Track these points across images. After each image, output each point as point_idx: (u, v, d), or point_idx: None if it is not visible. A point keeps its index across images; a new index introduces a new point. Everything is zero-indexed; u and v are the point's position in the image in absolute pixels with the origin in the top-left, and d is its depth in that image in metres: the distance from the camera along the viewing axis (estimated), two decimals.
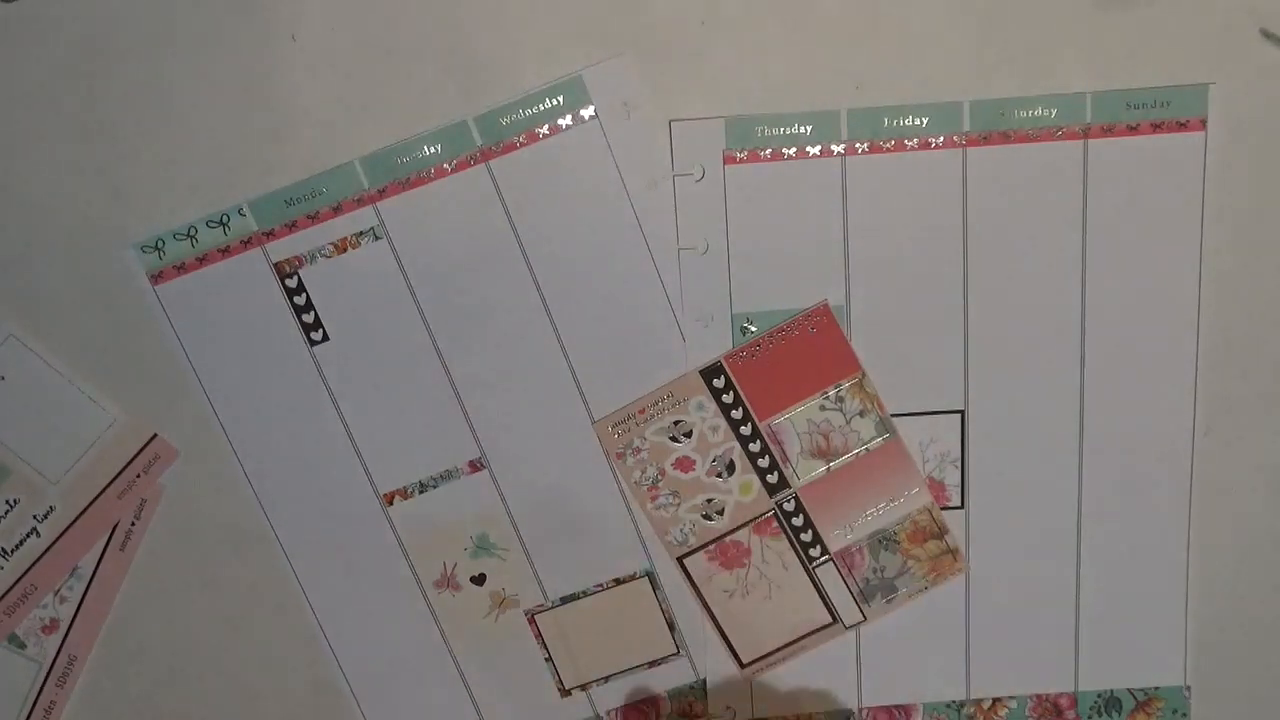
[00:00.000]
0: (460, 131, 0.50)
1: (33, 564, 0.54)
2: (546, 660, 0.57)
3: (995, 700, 0.57)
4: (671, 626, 0.56)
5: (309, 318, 0.52)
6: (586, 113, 0.51)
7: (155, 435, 0.53)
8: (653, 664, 0.57)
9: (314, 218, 0.51)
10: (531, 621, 0.56)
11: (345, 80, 0.50)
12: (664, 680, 0.57)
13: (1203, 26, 0.49)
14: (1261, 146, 0.50)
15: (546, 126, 0.51)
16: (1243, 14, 0.49)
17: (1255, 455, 0.54)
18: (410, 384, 0.53)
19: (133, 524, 0.54)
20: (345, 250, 0.52)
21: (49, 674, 0.55)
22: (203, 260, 0.51)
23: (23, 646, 0.55)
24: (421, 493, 0.54)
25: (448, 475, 0.54)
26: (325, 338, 0.52)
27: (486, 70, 0.50)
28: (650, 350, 0.53)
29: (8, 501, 0.53)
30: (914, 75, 0.50)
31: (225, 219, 0.51)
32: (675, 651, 0.57)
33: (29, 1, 0.49)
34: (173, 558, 0.55)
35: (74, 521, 0.54)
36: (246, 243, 0.51)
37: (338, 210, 0.51)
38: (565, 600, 0.56)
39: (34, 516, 0.53)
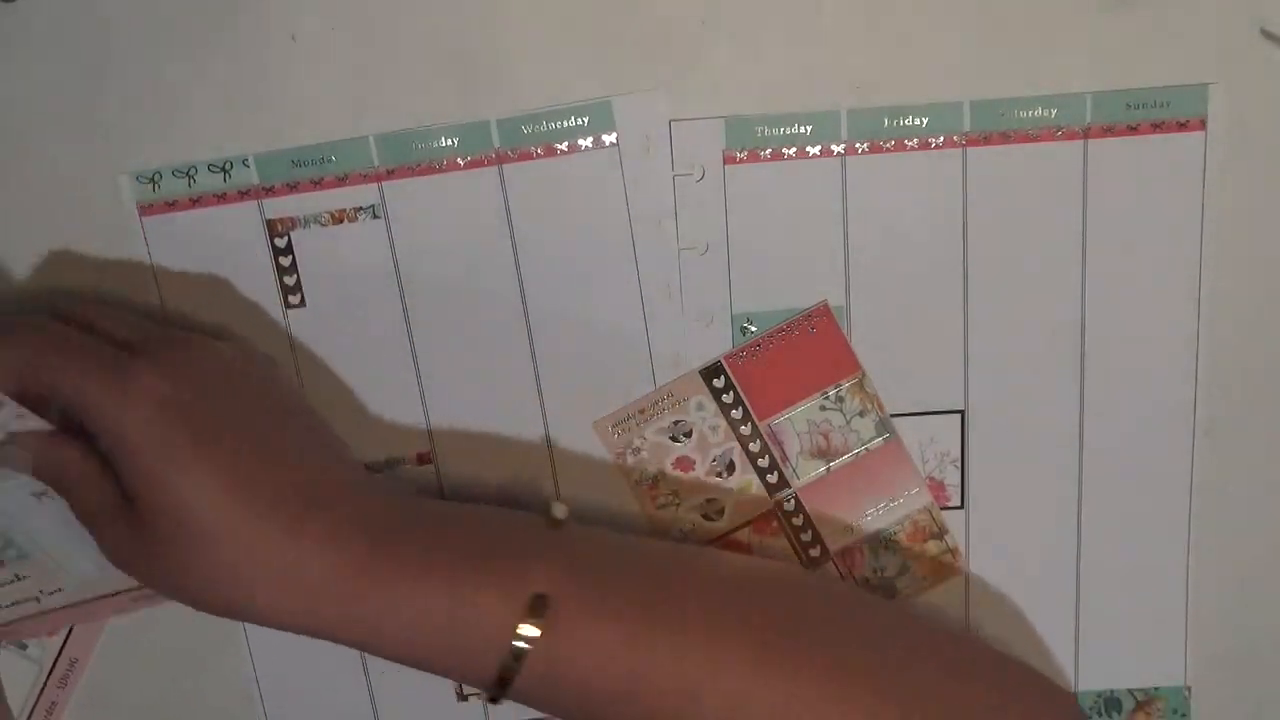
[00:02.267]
0: (480, 130, 0.50)
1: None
2: None
3: None
4: None
5: (290, 280, 0.52)
6: (609, 139, 0.51)
7: None
8: None
9: (318, 183, 0.51)
10: None
11: (346, 81, 0.50)
12: None
13: (1203, 26, 0.49)
14: (1262, 146, 0.50)
15: (566, 144, 0.51)
16: (1243, 14, 0.49)
17: (1256, 455, 0.54)
18: (376, 366, 0.53)
19: None
20: (342, 222, 0.52)
21: (50, 675, 0.55)
22: (196, 202, 0.51)
23: (24, 647, 0.55)
24: None
25: (394, 462, 0.54)
26: (303, 303, 0.53)
27: (485, 72, 0.50)
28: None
29: (16, 575, 0.52)
30: (914, 75, 0.50)
31: (228, 166, 0.51)
32: None
33: (29, 1, 0.49)
34: None
35: (75, 604, 0.54)
36: (244, 194, 0.51)
37: (343, 181, 0.51)
38: None
39: (40, 591, 0.53)
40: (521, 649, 0.44)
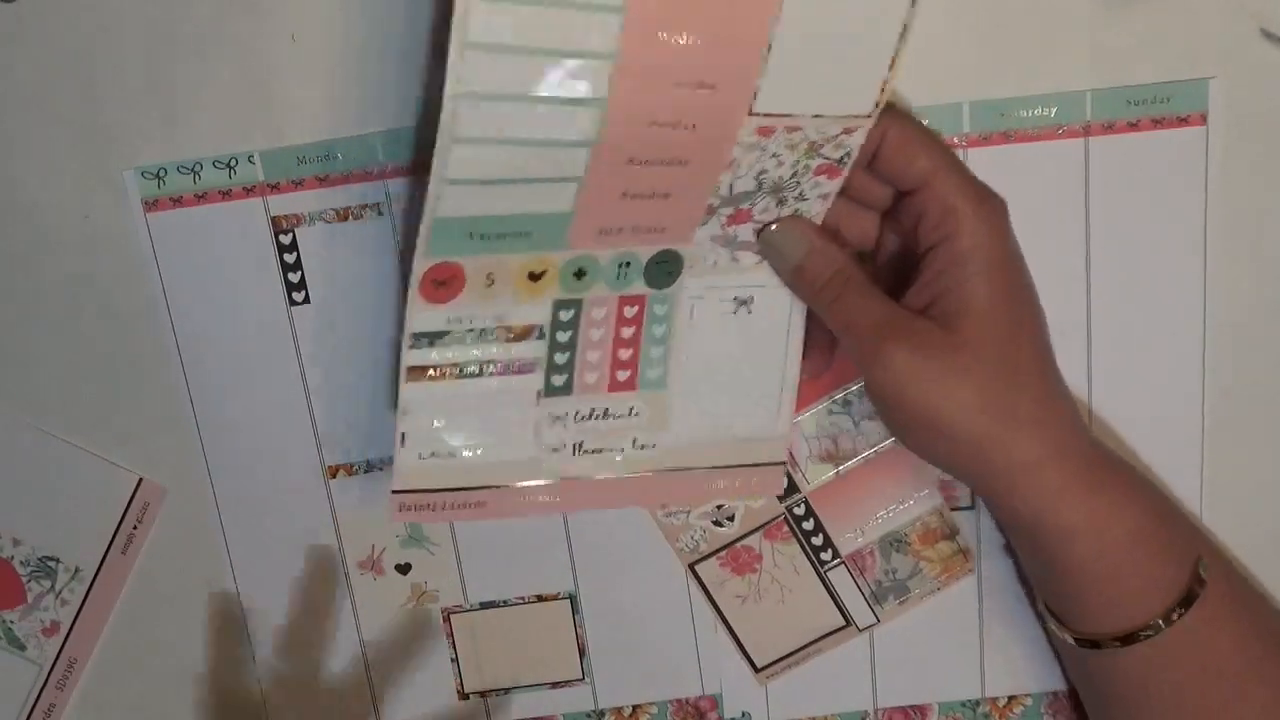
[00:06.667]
0: None
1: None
2: (452, 661, 0.57)
3: (1010, 698, 0.56)
4: (582, 653, 0.57)
5: (295, 277, 0.52)
6: None
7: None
8: (555, 685, 0.57)
9: (323, 180, 0.51)
10: (446, 620, 0.57)
11: (346, 81, 0.50)
12: (563, 704, 0.58)
13: (1201, 22, 0.49)
14: (1264, 139, 0.50)
15: None
16: (1242, 9, 0.49)
17: (1263, 452, 0.53)
18: (379, 364, 0.53)
19: (135, 527, 0.54)
20: (347, 219, 0.52)
21: (49, 676, 0.55)
22: (201, 199, 0.52)
23: (23, 648, 0.55)
24: (366, 472, 0.55)
25: None
26: (307, 300, 0.53)
27: None
28: None
29: (631, 409, 0.52)
30: (912, 77, 0.49)
31: (233, 162, 0.51)
32: (580, 678, 0.57)
33: (29, 1, 0.49)
34: (174, 560, 0.55)
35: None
36: (249, 190, 0.52)
37: (348, 178, 0.51)
38: (484, 606, 0.56)
39: (635, 440, 0.52)
40: (1194, 595, 0.45)
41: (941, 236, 0.45)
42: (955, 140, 0.50)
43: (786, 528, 0.55)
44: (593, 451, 0.51)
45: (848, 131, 0.45)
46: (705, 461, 0.52)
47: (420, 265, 0.46)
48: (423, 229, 0.44)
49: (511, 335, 0.49)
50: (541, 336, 0.49)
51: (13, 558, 0.54)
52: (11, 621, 0.55)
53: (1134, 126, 0.50)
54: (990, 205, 0.46)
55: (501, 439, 0.50)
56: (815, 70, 0.43)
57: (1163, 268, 0.52)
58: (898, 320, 0.46)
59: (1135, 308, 0.52)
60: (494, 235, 0.46)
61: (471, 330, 0.48)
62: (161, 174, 0.51)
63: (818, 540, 0.55)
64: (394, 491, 0.50)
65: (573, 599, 0.56)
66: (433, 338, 0.48)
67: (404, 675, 0.57)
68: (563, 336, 0.49)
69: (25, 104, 0.50)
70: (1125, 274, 0.52)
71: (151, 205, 0.52)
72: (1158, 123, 0.50)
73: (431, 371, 0.49)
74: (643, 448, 0.52)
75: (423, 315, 0.47)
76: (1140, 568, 0.46)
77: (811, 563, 0.55)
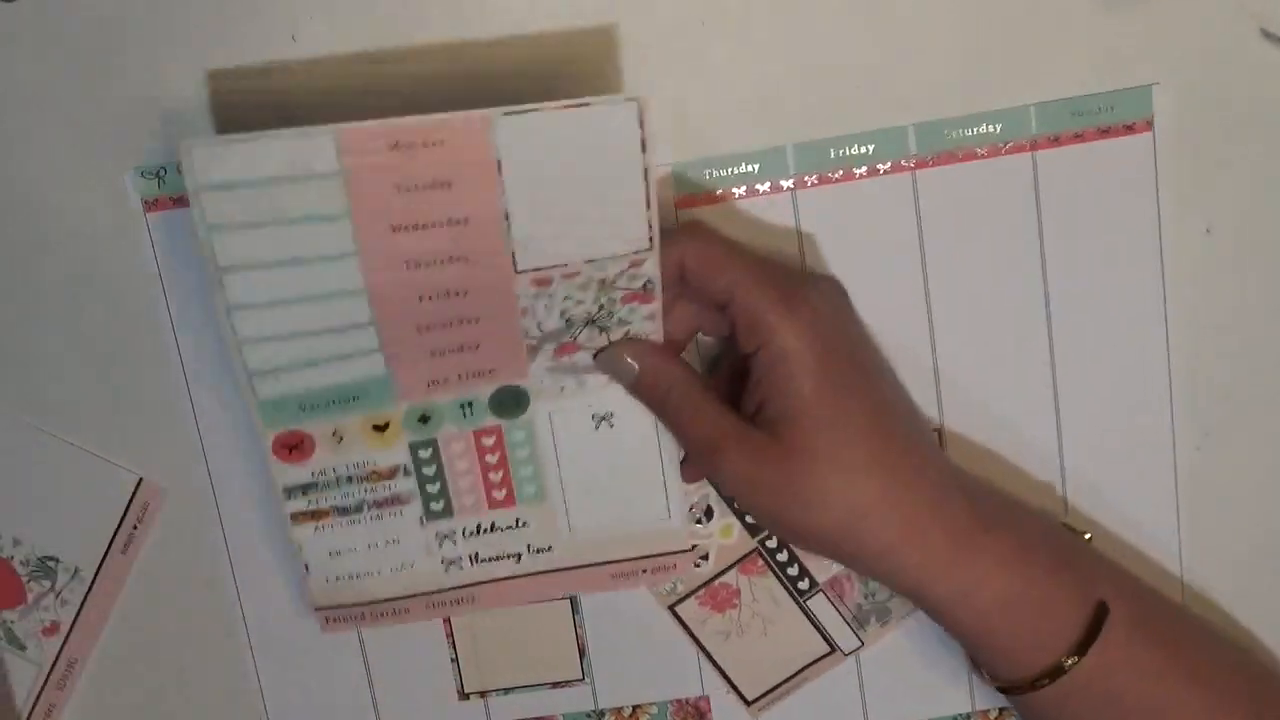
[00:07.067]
0: None
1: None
2: (452, 661, 0.56)
3: (1001, 710, 0.56)
4: (582, 653, 0.56)
5: None
6: None
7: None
8: (556, 685, 0.57)
9: None
10: (446, 620, 0.56)
11: (345, 80, 0.51)
12: (564, 704, 0.57)
13: (1202, 24, 0.50)
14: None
15: None
16: (1243, 13, 0.50)
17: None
18: None
19: (135, 527, 0.54)
20: None
21: (49, 677, 0.55)
22: None
23: (22, 649, 0.55)
24: None
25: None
26: None
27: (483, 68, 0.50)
28: None
29: (518, 520, 0.53)
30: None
31: None
32: (580, 678, 0.57)
33: (29, 1, 0.50)
34: (174, 560, 0.55)
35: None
36: None
37: None
38: None
39: (529, 546, 0.53)
40: (1091, 639, 0.46)
41: (754, 345, 0.46)
42: (903, 164, 0.51)
43: (761, 561, 0.55)
44: (491, 559, 0.53)
45: (635, 265, 0.46)
46: (607, 556, 0.53)
47: (264, 438, 0.49)
48: (251, 409, 0.47)
49: (378, 476, 0.51)
50: (408, 473, 0.51)
51: (13, 558, 0.54)
52: (11, 621, 0.55)
53: (1079, 137, 0.51)
54: (799, 309, 0.46)
55: (398, 560, 0.52)
56: (568, 223, 0.44)
57: (1121, 276, 0.52)
58: (731, 432, 0.47)
59: (1096, 318, 0.52)
60: (323, 404, 0.48)
61: (337, 478, 0.50)
62: (161, 174, 0.52)
63: (793, 570, 0.55)
64: (316, 609, 0.52)
65: (573, 599, 0.56)
66: (304, 488, 0.50)
67: (403, 676, 0.57)
68: (428, 470, 0.51)
69: (25, 104, 0.51)
70: (1083, 284, 0.52)
71: (151, 205, 0.52)
72: (1104, 132, 0.51)
73: (312, 515, 0.51)
74: (539, 551, 0.53)
75: (285, 474, 0.50)
76: (1023, 626, 0.46)
77: (789, 593, 0.55)
